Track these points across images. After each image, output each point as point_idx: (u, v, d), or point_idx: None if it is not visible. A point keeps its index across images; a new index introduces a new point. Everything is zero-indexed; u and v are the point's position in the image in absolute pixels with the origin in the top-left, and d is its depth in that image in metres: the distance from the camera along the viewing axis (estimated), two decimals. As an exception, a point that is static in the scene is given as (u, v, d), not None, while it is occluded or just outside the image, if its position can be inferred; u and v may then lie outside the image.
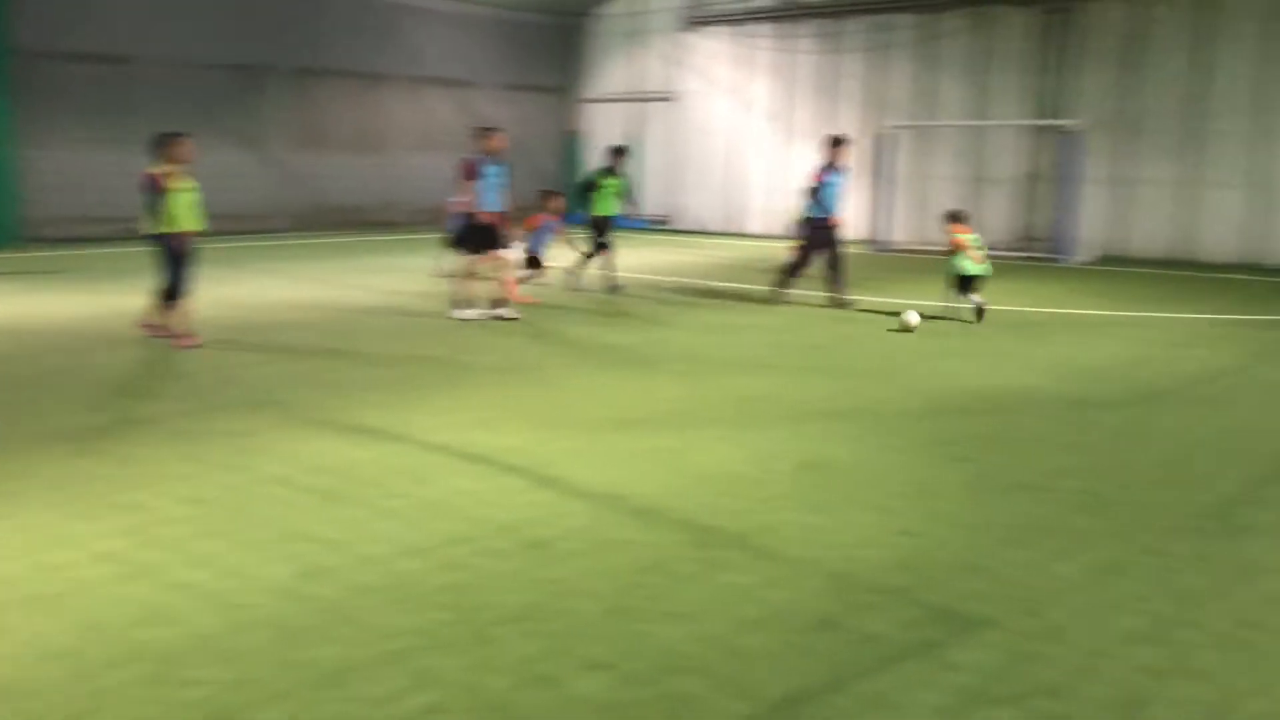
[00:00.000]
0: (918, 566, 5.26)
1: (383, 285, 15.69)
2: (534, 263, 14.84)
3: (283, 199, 24.68)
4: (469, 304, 12.75)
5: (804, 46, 26.16)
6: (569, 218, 15.57)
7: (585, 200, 15.57)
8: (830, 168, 14.38)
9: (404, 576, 4.97)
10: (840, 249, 14.48)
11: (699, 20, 27.76)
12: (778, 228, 26.60)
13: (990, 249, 23.21)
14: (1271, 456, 7.30)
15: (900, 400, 8.92)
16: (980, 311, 13.00)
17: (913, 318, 12.50)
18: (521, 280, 14.80)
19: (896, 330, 12.39)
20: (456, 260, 13.18)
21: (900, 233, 24.02)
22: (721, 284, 16.72)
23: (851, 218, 25.90)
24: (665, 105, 28.80)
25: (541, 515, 5.84)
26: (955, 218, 13.85)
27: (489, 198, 12.56)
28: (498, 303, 12.74)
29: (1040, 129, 22.87)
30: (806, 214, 14.53)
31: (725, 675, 4.11)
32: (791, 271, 14.59)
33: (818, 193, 14.33)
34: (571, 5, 29.61)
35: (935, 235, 24.13)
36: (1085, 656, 4.33)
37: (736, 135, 27.64)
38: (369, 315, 12.98)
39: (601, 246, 15.48)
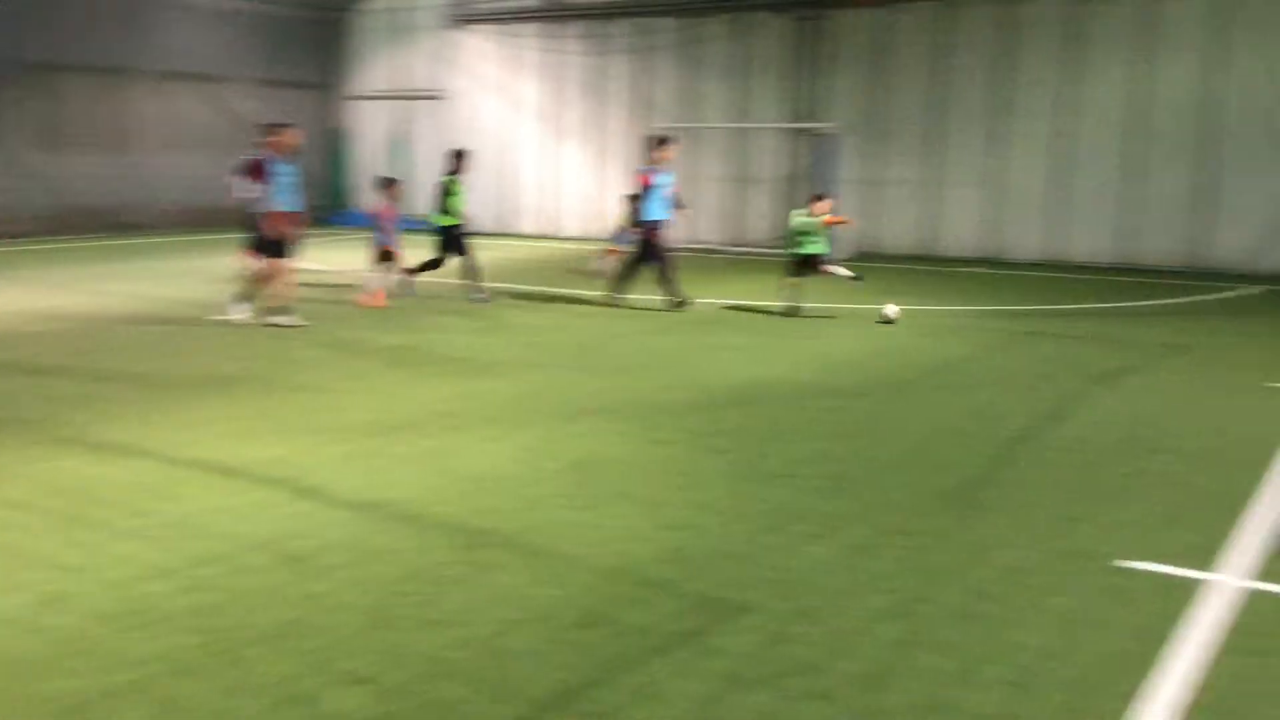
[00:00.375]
0: (682, 558, 5.38)
1: (135, 290, 14.83)
2: (387, 256, 14.60)
3: (22, 201, 22.99)
4: (241, 306, 12.24)
5: (571, 47, 26.35)
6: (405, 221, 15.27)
7: (443, 208, 14.81)
8: (654, 168, 14.28)
9: (149, 600, 4.70)
10: (663, 252, 14.30)
11: (465, 18, 27.53)
12: (551, 228, 26.77)
13: (755, 248, 24.21)
14: (1006, 439, 7.83)
15: (668, 395, 9.11)
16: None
17: (891, 310, 13.34)
18: (380, 277, 14.56)
19: (879, 322, 13.15)
20: (251, 261, 12.54)
21: (670, 232, 24.51)
22: (496, 284, 16.62)
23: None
24: (433, 104, 28.41)
25: (301, 528, 5.64)
26: (820, 197, 14.25)
27: (282, 198, 12.01)
28: (275, 310, 12.21)
29: (798, 131, 23.82)
30: (638, 218, 14.44)
31: (490, 678, 4.08)
32: (627, 275, 14.46)
33: (645, 196, 14.15)
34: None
35: (705, 234, 24.88)
36: (837, 635, 4.53)
37: (507, 135, 27.56)
38: (119, 323, 12.24)
39: (461, 253, 14.83)
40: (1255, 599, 4.97)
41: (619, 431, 7.85)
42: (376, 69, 29.25)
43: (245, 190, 12.22)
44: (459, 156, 15.19)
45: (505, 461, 7.00)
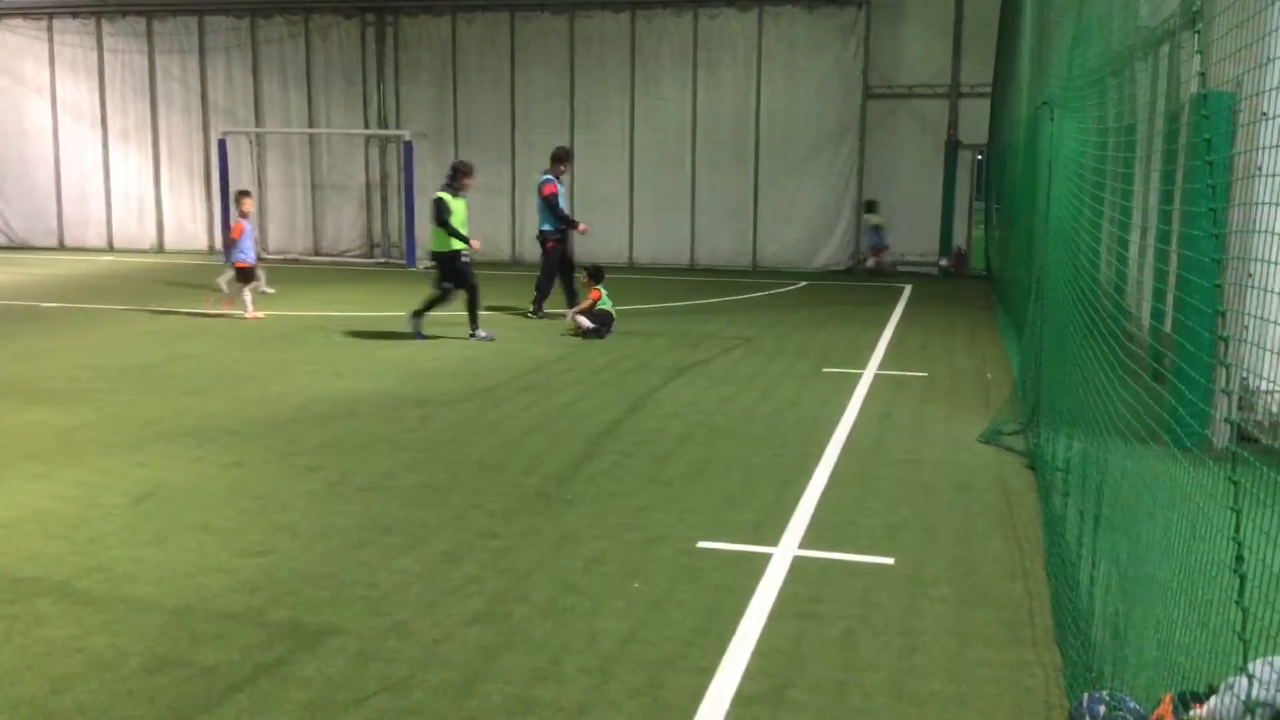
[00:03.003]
0: (262, 585, 5.10)
1: None
2: (248, 273, 13.91)
3: None
4: None
5: (121, 45, 24.38)
6: None
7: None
8: (558, 179, 14.40)
9: None
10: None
11: (-5, 11, 24.76)
12: (127, 240, 24.70)
13: (341, 254, 23.57)
14: (591, 436, 8.10)
15: (247, 414, 8.63)
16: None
17: None
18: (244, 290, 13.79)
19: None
20: None
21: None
22: (47, 304, 15.06)
23: (192, 228, 24.81)
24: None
25: None
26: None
27: None
28: None
29: (378, 137, 23.45)
30: (543, 226, 14.32)
31: (38, 744, 3.65)
32: (548, 287, 14.49)
33: (552, 205, 14.18)
34: None
35: (280, 243, 23.92)
36: (427, 646, 4.46)
37: (56, 140, 25.04)
38: None
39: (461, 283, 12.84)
40: (807, 566, 5.45)
41: (190, 457, 7.32)
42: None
43: None
44: (458, 172, 12.97)
45: (54, 500, 6.32)
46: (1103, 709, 3.47)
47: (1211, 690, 3.24)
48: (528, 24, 22.52)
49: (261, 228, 24.03)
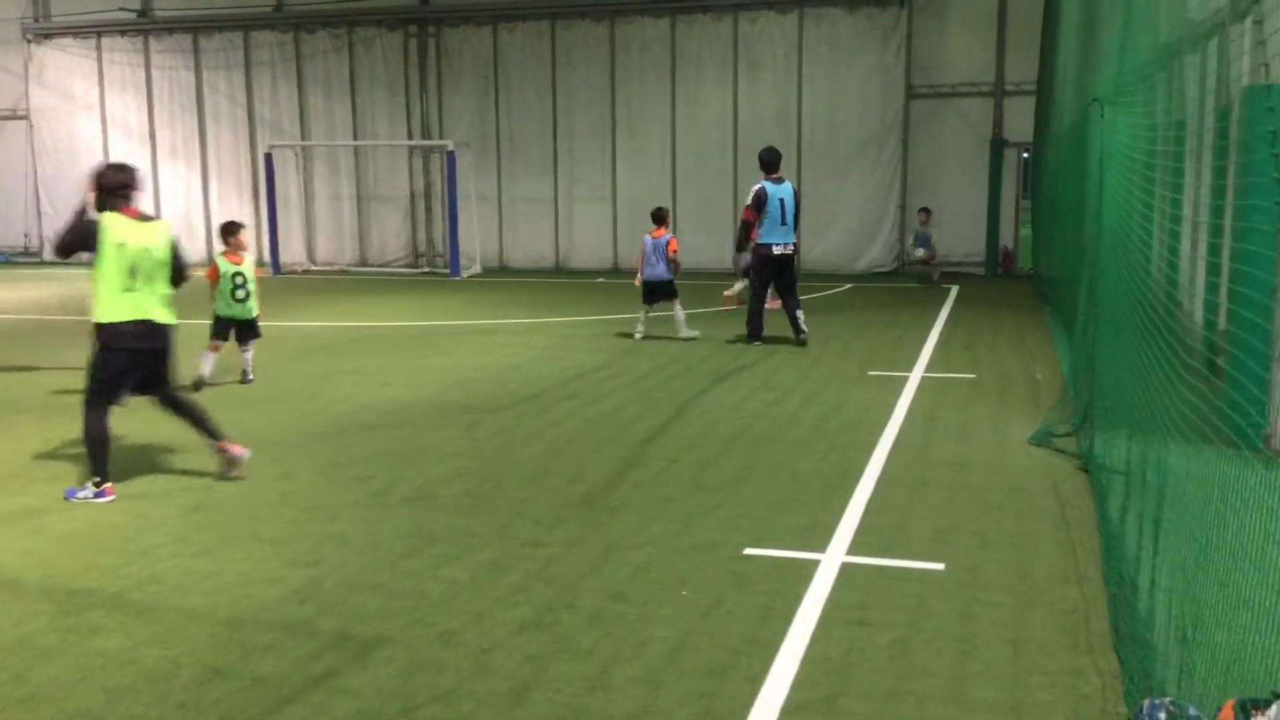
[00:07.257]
0: (312, 596, 5.11)
1: None
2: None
3: None
4: None
5: (169, 62, 24.77)
6: None
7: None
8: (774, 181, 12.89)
9: None
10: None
11: (45, 32, 25.21)
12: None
13: (386, 265, 23.73)
14: (635, 442, 8.07)
15: (291, 426, 8.69)
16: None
17: None
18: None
19: None
20: None
21: (291, 254, 23.63)
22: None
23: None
24: (13, 124, 25.83)
25: None
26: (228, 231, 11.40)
27: None
28: None
29: (421, 148, 23.63)
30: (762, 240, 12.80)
31: (93, 756, 3.68)
32: (760, 307, 12.91)
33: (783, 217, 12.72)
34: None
35: (328, 254, 24.17)
36: (476, 655, 4.45)
37: (107, 157, 25.47)
38: None
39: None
40: (856, 572, 5.38)
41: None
42: (-60, 87, 26.24)
43: None
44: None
45: (107, 513, 6.40)
46: (1164, 716, 3.39)
47: (1276, 696, 3.15)
48: (568, 32, 22.59)
49: (309, 240, 24.31)
